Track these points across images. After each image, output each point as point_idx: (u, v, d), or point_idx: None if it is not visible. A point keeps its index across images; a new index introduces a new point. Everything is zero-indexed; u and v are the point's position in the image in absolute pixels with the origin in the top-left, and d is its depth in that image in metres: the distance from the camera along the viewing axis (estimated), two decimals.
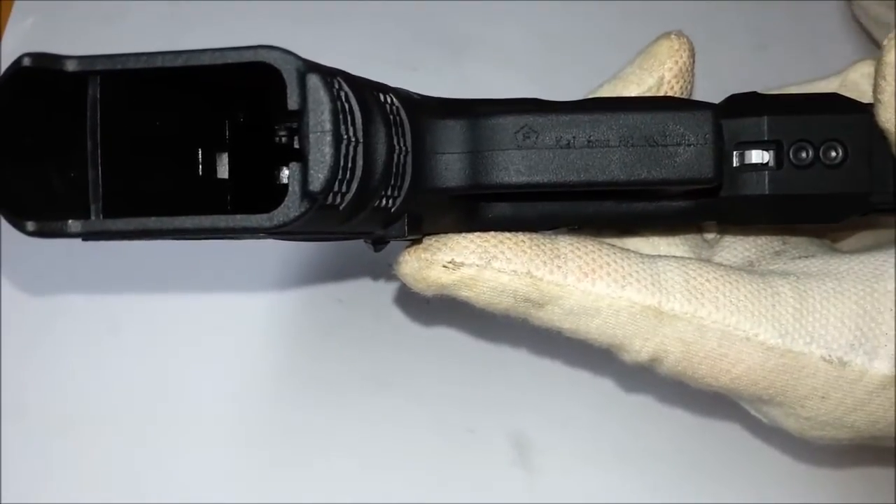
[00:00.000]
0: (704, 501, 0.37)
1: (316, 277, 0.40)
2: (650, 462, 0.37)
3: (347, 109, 0.21)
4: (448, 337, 0.39)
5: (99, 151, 0.22)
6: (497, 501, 0.37)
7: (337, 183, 0.21)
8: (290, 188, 0.20)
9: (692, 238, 0.31)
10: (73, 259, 0.40)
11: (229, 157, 0.26)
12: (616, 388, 0.38)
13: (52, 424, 0.38)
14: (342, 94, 0.21)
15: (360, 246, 0.39)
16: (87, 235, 0.21)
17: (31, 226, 0.21)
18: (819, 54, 0.35)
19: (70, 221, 0.21)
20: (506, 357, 0.39)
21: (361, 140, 0.21)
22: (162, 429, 0.38)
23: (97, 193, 0.22)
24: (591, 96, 0.30)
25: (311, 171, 0.20)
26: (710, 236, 0.31)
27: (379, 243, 0.29)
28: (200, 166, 0.26)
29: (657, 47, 0.30)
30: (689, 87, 0.30)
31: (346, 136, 0.21)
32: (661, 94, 0.30)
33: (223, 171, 0.26)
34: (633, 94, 0.30)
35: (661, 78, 0.30)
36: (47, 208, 0.21)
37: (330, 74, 0.21)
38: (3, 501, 0.37)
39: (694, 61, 0.31)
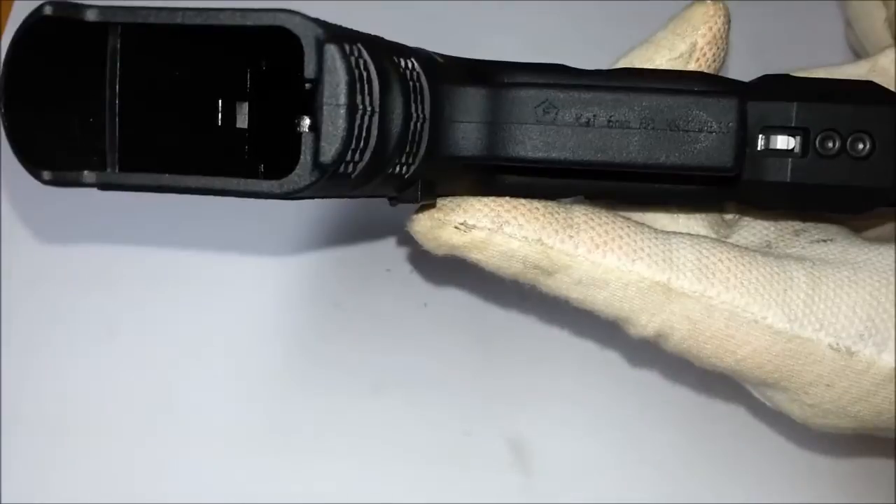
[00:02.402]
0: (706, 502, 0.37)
1: (314, 281, 0.40)
2: (649, 466, 0.37)
3: (365, 78, 0.21)
4: (445, 340, 0.38)
5: (117, 102, 0.22)
6: None
7: (350, 153, 0.21)
8: (301, 157, 0.20)
9: (712, 215, 0.30)
10: (72, 261, 0.40)
11: (249, 106, 0.26)
12: (615, 392, 0.38)
13: (51, 425, 0.38)
14: (361, 62, 0.21)
15: (357, 249, 0.39)
16: (102, 186, 0.22)
17: (47, 175, 0.21)
18: (819, 56, 0.34)
19: (85, 172, 0.22)
20: (504, 360, 0.38)
21: (378, 110, 0.21)
22: (160, 431, 0.38)
23: (114, 143, 0.22)
24: (620, 62, 0.30)
25: (323, 144, 0.20)
26: (729, 216, 0.31)
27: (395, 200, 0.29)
28: (220, 116, 0.26)
29: (691, 12, 0.29)
30: (722, 54, 0.30)
31: (361, 107, 0.21)
32: (693, 60, 0.29)
33: (242, 121, 0.26)
34: (664, 60, 0.29)
35: (694, 44, 0.29)
36: (65, 159, 0.22)
37: (350, 41, 0.21)
38: (3, 502, 0.37)
39: (729, 28, 0.30)
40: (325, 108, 0.20)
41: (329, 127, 0.20)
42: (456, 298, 0.39)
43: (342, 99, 0.20)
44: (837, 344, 0.27)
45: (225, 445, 0.37)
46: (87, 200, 0.39)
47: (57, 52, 0.22)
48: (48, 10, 0.21)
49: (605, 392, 0.38)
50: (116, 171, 0.22)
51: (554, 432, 0.37)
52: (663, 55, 0.29)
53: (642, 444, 0.37)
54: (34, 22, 0.21)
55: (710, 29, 0.29)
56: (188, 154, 0.24)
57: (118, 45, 0.22)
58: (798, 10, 0.43)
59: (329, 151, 0.20)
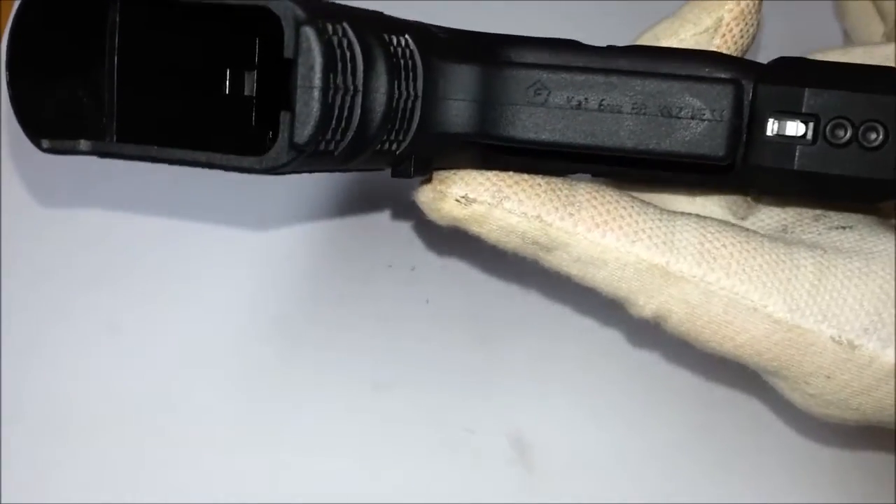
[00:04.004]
0: (708, 502, 0.36)
1: (314, 276, 0.39)
2: (651, 458, 0.37)
3: (348, 58, 0.21)
4: (447, 337, 0.38)
5: (116, 74, 0.23)
6: (496, 501, 0.37)
7: (330, 132, 0.21)
8: (279, 136, 0.21)
9: (731, 196, 0.30)
10: (72, 258, 0.40)
11: (258, 74, 0.27)
12: (616, 389, 0.38)
13: (51, 424, 0.38)
14: (344, 41, 0.21)
15: (358, 244, 0.39)
16: (97, 154, 0.23)
17: (45, 143, 0.22)
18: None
19: (82, 141, 0.23)
20: (505, 356, 0.38)
21: (361, 89, 0.22)
22: (160, 429, 0.38)
23: (112, 113, 0.23)
24: (645, 35, 0.29)
25: (297, 125, 0.20)
26: (751, 197, 0.30)
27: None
28: (228, 84, 0.26)
29: None
30: (750, 30, 0.29)
31: (342, 87, 0.21)
32: (719, 35, 0.28)
33: (250, 89, 0.27)
34: (688, 35, 0.29)
35: (720, 19, 0.28)
36: (67, 128, 0.23)
37: (334, 20, 0.21)
38: (3, 502, 0.37)
39: (761, 3, 0.29)
40: (298, 89, 0.20)
41: (302, 108, 0.20)
42: (457, 295, 0.38)
43: (316, 81, 0.20)
44: (840, 337, 0.26)
45: (225, 443, 0.38)
46: (88, 198, 0.40)
47: (59, 25, 0.23)
48: None
49: (606, 389, 0.38)
50: (114, 140, 0.23)
51: (556, 428, 0.37)
52: (688, 29, 0.29)
53: (644, 437, 0.37)
54: None
55: (738, 4, 0.28)
56: (193, 122, 0.25)
57: (117, 19, 0.23)
58: (797, 7, 0.42)
59: (303, 132, 0.20)
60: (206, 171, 0.22)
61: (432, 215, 0.28)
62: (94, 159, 0.23)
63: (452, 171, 0.27)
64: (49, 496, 0.37)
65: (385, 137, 0.23)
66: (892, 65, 0.27)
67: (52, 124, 0.23)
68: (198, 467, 0.37)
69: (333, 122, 0.21)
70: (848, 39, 0.37)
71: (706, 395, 0.37)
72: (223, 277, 0.40)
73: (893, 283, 0.26)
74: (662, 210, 0.28)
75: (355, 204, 0.40)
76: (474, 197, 0.27)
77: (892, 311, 0.26)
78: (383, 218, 0.39)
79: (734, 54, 0.28)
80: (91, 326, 0.39)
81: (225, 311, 0.39)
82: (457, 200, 0.27)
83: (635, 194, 0.28)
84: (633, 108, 0.24)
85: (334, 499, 0.37)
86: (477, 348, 0.38)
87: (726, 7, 0.28)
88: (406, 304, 0.39)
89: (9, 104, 0.22)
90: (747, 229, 0.28)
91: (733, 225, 0.28)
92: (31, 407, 0.38)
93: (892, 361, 0.26)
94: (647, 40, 0.29)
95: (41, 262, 0.40)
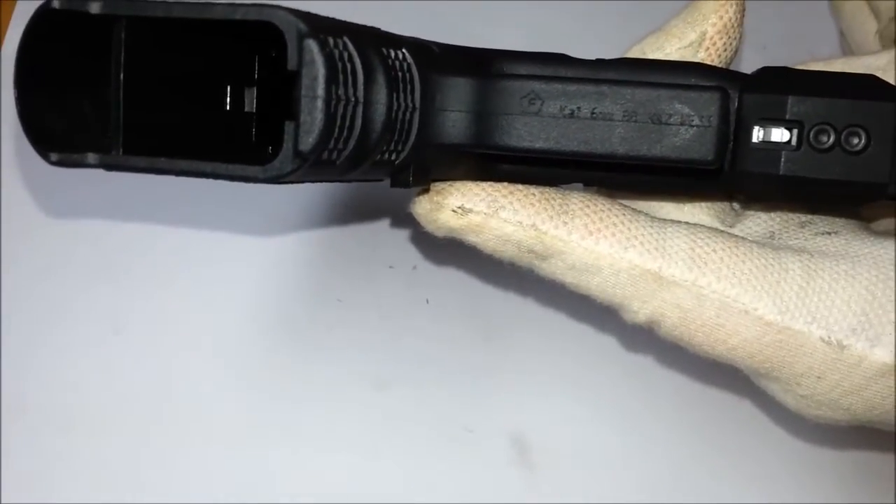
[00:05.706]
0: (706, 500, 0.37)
1: (316, 276, 0.40)
2: (648, 462, 0.37)
3: (349, 70, 0.22)
4: (447, 337, 0.39)
5: (122, 91, 0.24)
6: (496, 501, 0.37)
7: (332, 141, 0.22)
8: (283, 146, 0.21)
9: (719, 204, 0.30)
10: (75, 256, 0.40)
11: (258, 91, 0.28)
12: (616, 388, 0.38)
13: (53, 423, 0.38)
14: (345, 54, 0.22)
15: (360, 245, 0.39)
16: (105, 167, 0.23)
17: (54, 157, 0.23)
18: (818, 55, 0.34)
19: (89, 154, 0.23)
20: (505, 356, 0.38)
21: (362, 100, 0.22)
22: (162, 429, 0.38)
23: (118, 128, 0.24)
24: (632, 49, 0.30)
25: (302, 134, 0.21)
26: (738, 205, 0.31)
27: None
28: (229, 100, 0.27)
29: (703, 1, 0.29)
30: (733, 43, 0.30)
31: (343, 98, 0.22)
32: (703, 49, 0.29)
33: (250, 105, 0.28)
34: (673, 49, 0.30)
35: (704, 33, 0.29)
36: (74, 142, 0.23)
37: (335, 34, 0.22)
38: (3, 501, 0.37)
39: (743, 17, 0.30)
40: (302, 99, 0.21)
41: (306, 118, 0.21)
42: (458, 295, 0.39)
43: (319, 91, 0.21)
44: (829, 337, 0.27)
45: (227, 442, 0.38)
46: (91, 194, 0.40)
47: (67, 41, 0.23)
48: (56, 4, 0.23)
49: (606, 387, 0.38)
50: (120, 153, 0.24)
51: (556, 427, 0.38)
52: (673, 44, 0.30)
53: (644, 435, 0.37)
54: (44, 13, 0.23)
55: (721, 18, 0.29)
56: (195, 137, 0.26)
57: (123, 36, 0.24)
58: (798, 7, 0.43)
59: (307, 141, 0.21)
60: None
61: (429, 226, 0.29)
62: None
63: (448, 183, 0.28)
64: (50, 495, 0.37)
65: (385, 147, 0.24)
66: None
67: (59, 138, 0.23)
68: (200, 466, 0.37)
69: (336, 131, 0.22)
70: (843, 39, 0.38)
71: (706, 387, 0.37)
72: (226, 277, 0.40)
73: (881, 284, 0.27)
74: (653, 218, 0.28)
75: (357, 206, 0.40)
76: (470, 207, 0.28)
77: (879, 311, 0.27)
78: (384, 220, 0.39)
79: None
80: (94, 326, 0.39)
81: (228, 310, 0.39)
82: (453, 211, 0.28)
83: (626, 203, 0.29)
84: (624, 116, 0.25)
85: (335, 497, 0.37)
86: (477, 348, 0.38)
87: (710, 21, 0.29)
88: (407, 304, 0.39)
89: (9, 110, 0.23)
90: (736, 235, 0.28)
91: (722, 231, 0.28)
92: (32, 406, 0.38)
93: (881, 360, 0.27)
94: (633, 54, 0.30)
95: (44, 261, 0.40)
